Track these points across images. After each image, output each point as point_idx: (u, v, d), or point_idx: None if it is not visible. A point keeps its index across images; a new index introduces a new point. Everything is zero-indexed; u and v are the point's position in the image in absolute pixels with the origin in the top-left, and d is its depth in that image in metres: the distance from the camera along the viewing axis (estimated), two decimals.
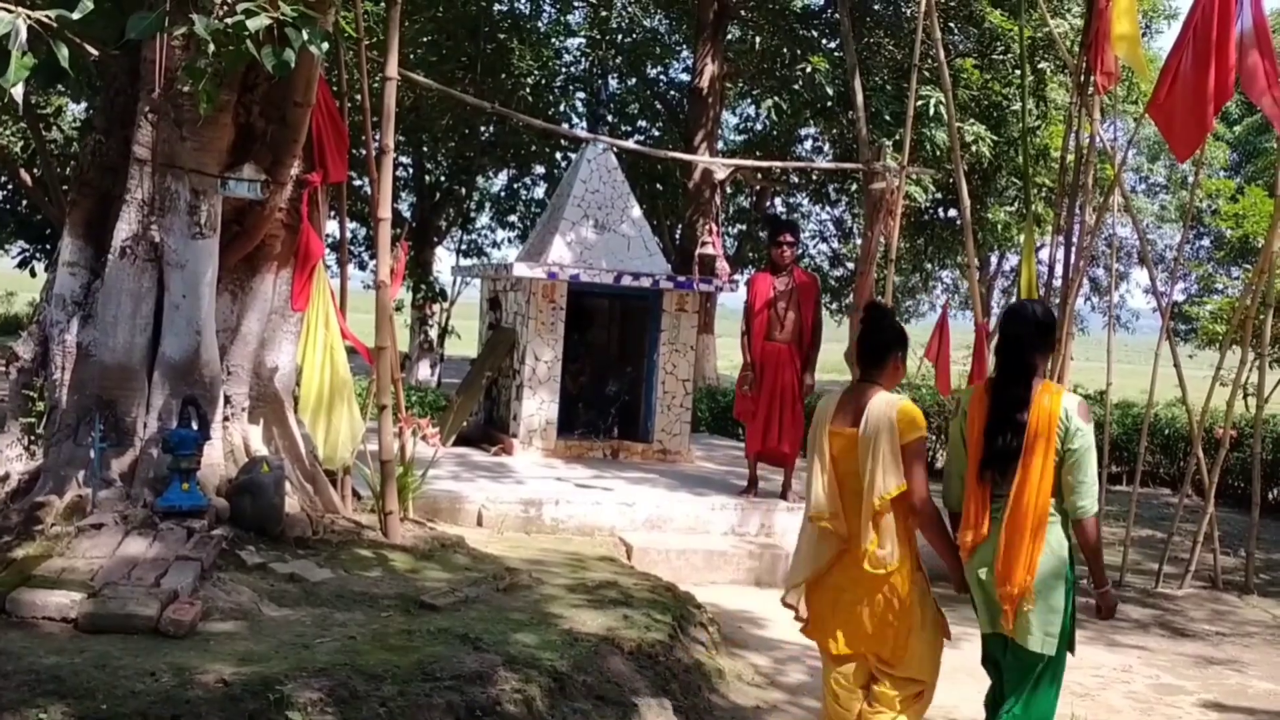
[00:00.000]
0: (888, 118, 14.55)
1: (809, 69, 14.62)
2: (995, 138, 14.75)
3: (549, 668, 4.75)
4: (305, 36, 5.33)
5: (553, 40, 20.36)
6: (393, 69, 6.60)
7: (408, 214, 21.18)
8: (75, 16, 5.55)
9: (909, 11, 16.31)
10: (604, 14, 21.07)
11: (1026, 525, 4.19)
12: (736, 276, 11.22)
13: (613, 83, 22.78)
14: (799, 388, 9.04)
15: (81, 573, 5.37)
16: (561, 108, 21.06)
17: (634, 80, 22.33)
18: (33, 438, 6.41)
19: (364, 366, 8.74)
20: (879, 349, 4.57)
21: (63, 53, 5.46)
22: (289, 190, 6.56)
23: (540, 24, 20.15)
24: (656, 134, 22.22)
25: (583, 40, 21.90)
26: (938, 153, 14.49)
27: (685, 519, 8.60)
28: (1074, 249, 9.26)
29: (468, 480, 8.85)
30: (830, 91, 14.75)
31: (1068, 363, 9.15)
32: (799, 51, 15.97)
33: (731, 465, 10.75)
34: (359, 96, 8.21)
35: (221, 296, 6.62)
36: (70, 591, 5.07)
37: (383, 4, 12.42)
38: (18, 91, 5.34)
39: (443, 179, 21.32)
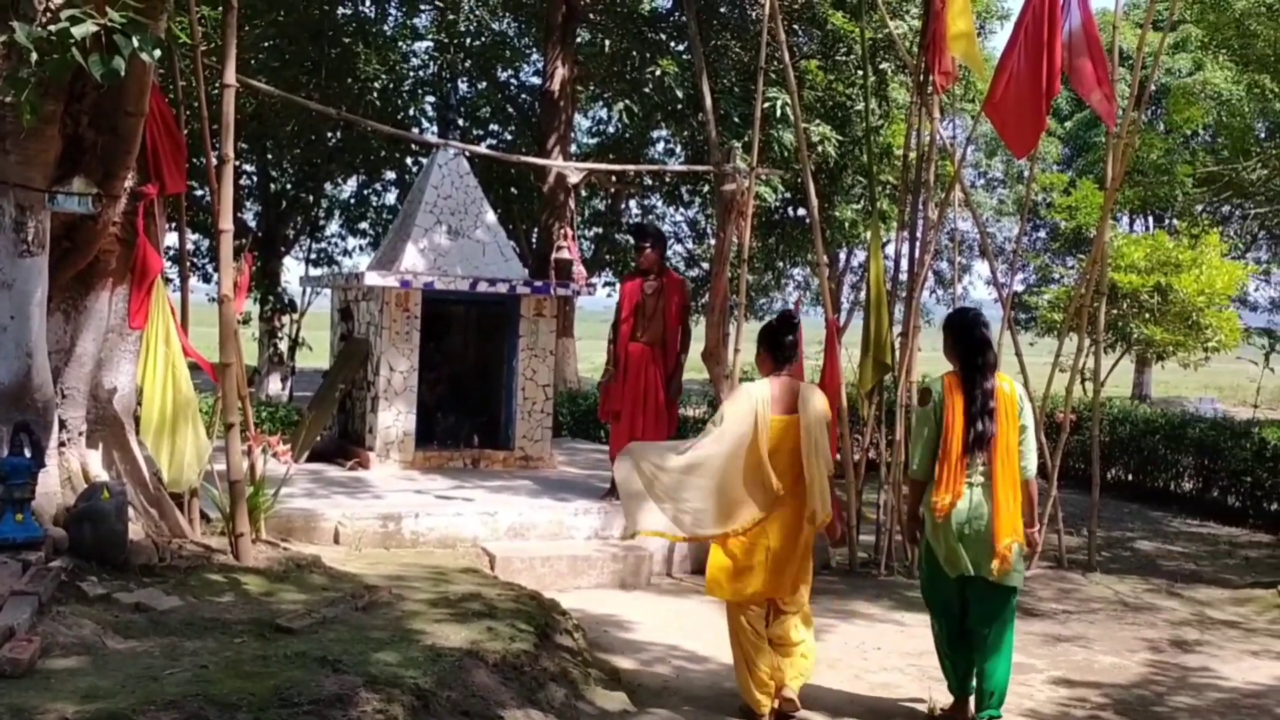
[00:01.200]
0: (736, 119, 14.75)
1: (658, 72, 14.74)
2: (840, 137, 15.09)
3: (412, 686, 4.66)
4: (135, 43, 5.14)
5: (399, 44, 20.04)
6: (231, 76, 6.37)
7: (253, 224, 20.61)
8: None
9: (754, 14, 16.55)
10: (451, 18, 20.83)
11: (1012, 488, 5.42)
12: (594, 280, 11.19)
13: (463, 86, 22.54)
14: (662, 388, 9.08)
15: None
16: (411, 112, 20.73)
17: (484, 84, 22.14)
18: None
19: (210, 383, 8.46)
20: (794, 348, 5.83)
21: None
22: (123, 204, 6.30)
23: (386, 28, 19.81)
24: (509, 138, 22.07)
25: (430, 44, 21.62)
26: (786, 153, 14.76)
27: (548, 526, 8.55)
28: (918, 244, 9.52)
29: (323, 497, 8.63)
30: (680, 94, 14.90)
31: (915, 354, 9.40)
32: (648, 55, 16.06)
33: (594, 469, 10.75)
34: (196, 104, 7.95)
35: (54, 316, 6.32)
36: None
37: (219, 9, 12.05)
38: None
39: (289, 187, 20.79)
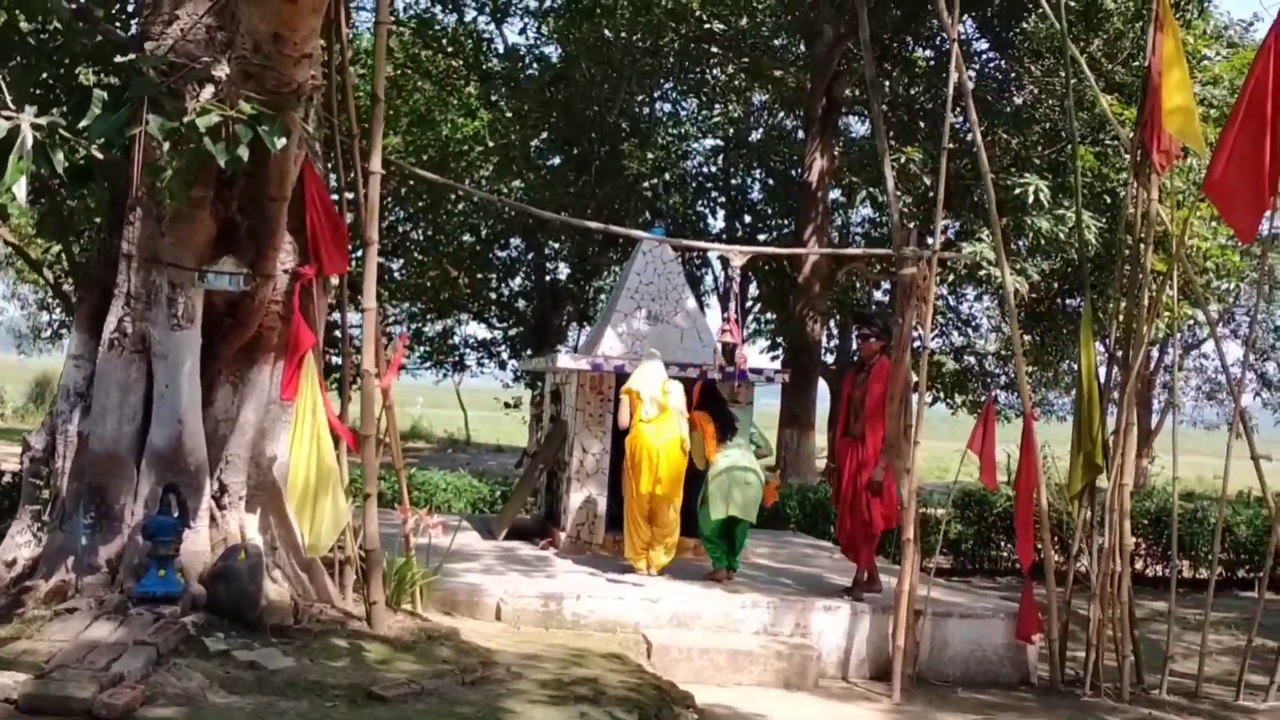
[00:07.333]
0: (988, 208, 14.09)
1: (903, 159, 14.41)
2: (1101, 224, 14.02)
3: None
4: (262, 132, 5.53)
5: (682, 144, 20.64)
6: (376, 163, 6.71)
7: (528, 314, 21.62)
8: (83, 124, 5.90)
9: (1021, 100, 16.03)
10: (724, 110, 21.40)
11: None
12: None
13: (748, 185, 22.97)
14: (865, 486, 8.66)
15: (42, 654, 5.52)
16: (698, 206, 21.25)
17: (770, 179, 22.35)
18: (40, 524, 6.68)
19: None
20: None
21: (58, 157, 5.80)
22: (283, 283, 6.74)
23: (668, 129, 20.40)
24: (790, 230, 22.12)
25: (717, 141, 22.25)
26: (1041, 241, 14.01)
27: (714, 616, 8.28)
28: (1133, 335, 8.70)
29: (498, 574, 8.75)
30: (927, 181, 14.48)
31: (1130, 454, 8.51)
32: (894, 143, 15.76)
33: (793, 563, 10.35)
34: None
35: (222, 387, 6.82)
36: (17, 673, 5.21)
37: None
38: (19, 191, 5.68)
39: (560, 279, 21.71)
